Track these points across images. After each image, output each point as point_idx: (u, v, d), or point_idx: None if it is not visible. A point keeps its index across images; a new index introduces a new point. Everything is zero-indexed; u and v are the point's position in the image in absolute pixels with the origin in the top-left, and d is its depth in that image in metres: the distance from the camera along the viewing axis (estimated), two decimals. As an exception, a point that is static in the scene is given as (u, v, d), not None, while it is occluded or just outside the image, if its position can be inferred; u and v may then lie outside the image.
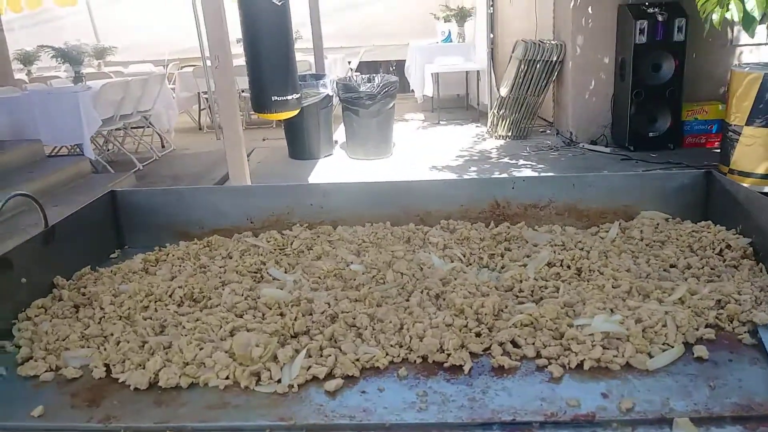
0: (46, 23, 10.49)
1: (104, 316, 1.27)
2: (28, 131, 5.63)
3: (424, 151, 6.61)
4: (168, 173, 6.36)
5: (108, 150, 6.83)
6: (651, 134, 6.01)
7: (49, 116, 5.60)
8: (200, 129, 8.66)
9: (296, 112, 5.00)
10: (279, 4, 4.54)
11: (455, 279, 1.36)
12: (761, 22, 3.64)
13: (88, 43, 7.61)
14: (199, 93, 8.21)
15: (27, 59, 8.57)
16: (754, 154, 4.70)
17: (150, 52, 10.40)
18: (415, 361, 1.11)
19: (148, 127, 7.17)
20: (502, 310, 1.23)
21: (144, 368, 1.09)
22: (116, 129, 6.58)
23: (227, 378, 1.07)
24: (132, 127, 6.99)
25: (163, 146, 7.45)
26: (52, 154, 6.24)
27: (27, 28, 10.77)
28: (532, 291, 1.33)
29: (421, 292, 1.32)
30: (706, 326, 1.17)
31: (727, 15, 3.56)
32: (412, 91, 8.90)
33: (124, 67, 9.06)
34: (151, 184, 5.90)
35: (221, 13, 4.07)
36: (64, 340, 1.20)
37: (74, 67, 6.34)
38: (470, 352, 1.11)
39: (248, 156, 5.26)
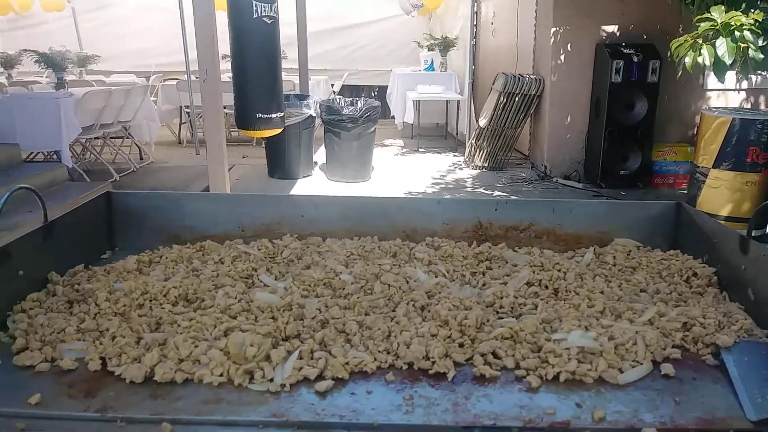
0: (29, 27, 10.42)
1: (99, 312, 1.30)
2: (5, 135, 5.56)
3: (402, 177, 6.71)
4: (145, 185, 6.34)
5: (85, 159, 6.78)
6: (622, 172, 6.19)
7: (28, 121, 5.55)
8: (180, 143, 8.65)
9: (280, 130, 5.05)
10: (269, 22, 4.63)
11: (440, 293, 1.43)
12: (731, 68, 3.83)
13: (71, 50, 7.59)
14: (181, 106, 8.21)
15: (8, 63, 8.49)
16: (719, 196, 4.87)
17: (133, 63, 10.40)
18: (401, 367, 1.17)
19: (128, 137, 7.15)
20: (484, 324, 1.30)
21: (140, 362, 1.12)
22: (95, 138, 6.55)
23: (221, 375, 1.11)
24: (111, 137, 6.97)
25: (141, 158, 7.43)
26: (28, 159, 6.18)
27: (7, 32, 10.70)
28: (512, 307, 1.40)
29: (407, 304, 1.38)
30: (673, 346, 1.24)
31: (699, 59, 3.75)
32: (393, 117, 9.04)
33: (105, 76, 9.03)
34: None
35: (213, 27, 4.13)
36: (59, 333, 1.22)
37: (57, 73, 6.33)
38: (454, 361, 1.17)
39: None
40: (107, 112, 6.23)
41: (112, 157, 7.10)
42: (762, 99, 6.42)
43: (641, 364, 1.18)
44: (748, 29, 3.62)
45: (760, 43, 3.69)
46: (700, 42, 3.80)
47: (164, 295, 1.36)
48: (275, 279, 1.51)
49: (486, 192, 6.07)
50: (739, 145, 4.71)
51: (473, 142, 7.19)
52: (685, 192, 5.52)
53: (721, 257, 1.53)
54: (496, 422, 1.01)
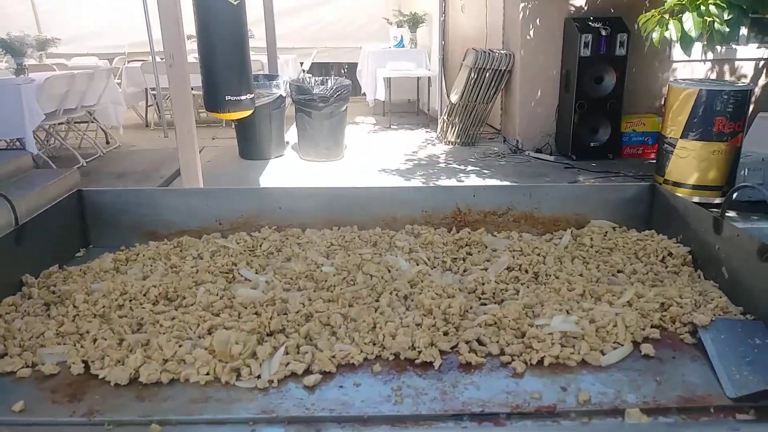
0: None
1: (78, 314, 1.28)
2: (-34, 123, 5.40)
3: (375, 155, 6.69)
4: (113, 170, 6.21)
5: (50, 145, 6.61)
6: (592, 144, 6.27)
7: (-11, 108, 5.37)
8: (147, 126, 8.47)
9: (250, 112, 4.97)
10: (235, 3, 4.52)
11: (422, 281, 1.44)
12: (697, 41, 3.88)
13: (29, 33, 7.34)
14: (146, 89, 8.02)
15: (-36, 49, 8.15)
16: (687, 166, 4.96)
17: (94, 45, 10.09)
18: (387, 358, 1.17)
19: (92, 122, 6.98)
20: (467, 311, 1.31)
21: (124, 364, 1.11)
22: (59, 123, 6.38)
23: (208, 374, 1.10)
24: (75, 122, 6.79)
25: (107, 142, 7.26)
26: (-10, 147, 6.00)
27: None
28: (494, 293, 1.41)
29: (390, 293, 1.38)
30: (652, 326, 1.28)
31: (666, 34, 3.78)
32: (364, 94, 8.97)
33: (67, 60, 8.76)
34: (95, 182, 5.74)
35: (177, 10, 4.02)
36: (38, 337, 1.20)
37: (16, 58, 6.12)
38: (439, 350, 1.19)
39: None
40: (70, 97, 6.06)
41: (77, 142, 6.93)
42: (726, 68, 6.52)
43: (622, 345, 1.21)
44: (714, 3, 3.66)
45: (726, 16, 3.74)
46: (667, 17, 3.83)
47: (144, 295, 1.34)
48: (256, 273, 1.50)
49: (459, 167, 6.08)
50: (705, 116, 4.79)
51: (445, 117, 7.18)
52: (654, 162, 5.61)
53: (695, 237, 1.56)
54: (484, 409, 1.03)
